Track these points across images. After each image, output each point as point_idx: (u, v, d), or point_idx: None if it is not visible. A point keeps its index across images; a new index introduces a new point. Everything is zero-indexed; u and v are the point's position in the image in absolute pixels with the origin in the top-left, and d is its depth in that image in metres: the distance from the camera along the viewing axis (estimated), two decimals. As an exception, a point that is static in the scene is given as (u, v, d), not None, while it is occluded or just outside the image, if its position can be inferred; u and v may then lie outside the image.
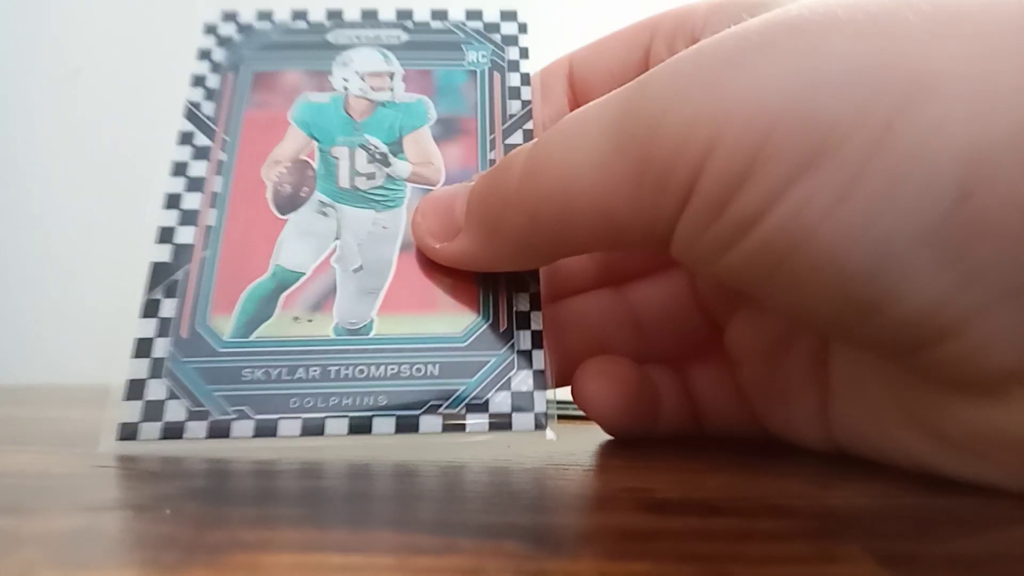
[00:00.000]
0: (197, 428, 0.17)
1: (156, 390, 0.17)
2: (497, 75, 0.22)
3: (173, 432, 0.17)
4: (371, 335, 0.18)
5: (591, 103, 0.16)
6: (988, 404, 0.13)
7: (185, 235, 0.19)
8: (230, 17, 0.23)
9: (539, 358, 0.18)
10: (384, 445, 0.17)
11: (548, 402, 0.18)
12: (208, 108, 0.21)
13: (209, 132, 0.21)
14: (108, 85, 0.56)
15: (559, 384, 0.21)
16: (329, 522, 0.11)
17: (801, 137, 0.12)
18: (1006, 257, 0.12)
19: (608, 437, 0.22)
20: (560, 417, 0.25)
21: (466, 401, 0.18)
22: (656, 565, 0.09)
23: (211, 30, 0.23)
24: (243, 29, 0.23)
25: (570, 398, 0.21)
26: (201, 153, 0.21)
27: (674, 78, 0.14)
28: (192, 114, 0.21)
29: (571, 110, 0.22)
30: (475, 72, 0.22)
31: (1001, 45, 0.12)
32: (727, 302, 0.20)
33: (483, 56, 0.23)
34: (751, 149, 0.13)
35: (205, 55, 0.22)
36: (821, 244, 0.12)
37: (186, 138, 0.21)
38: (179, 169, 0.20)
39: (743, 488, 0.14)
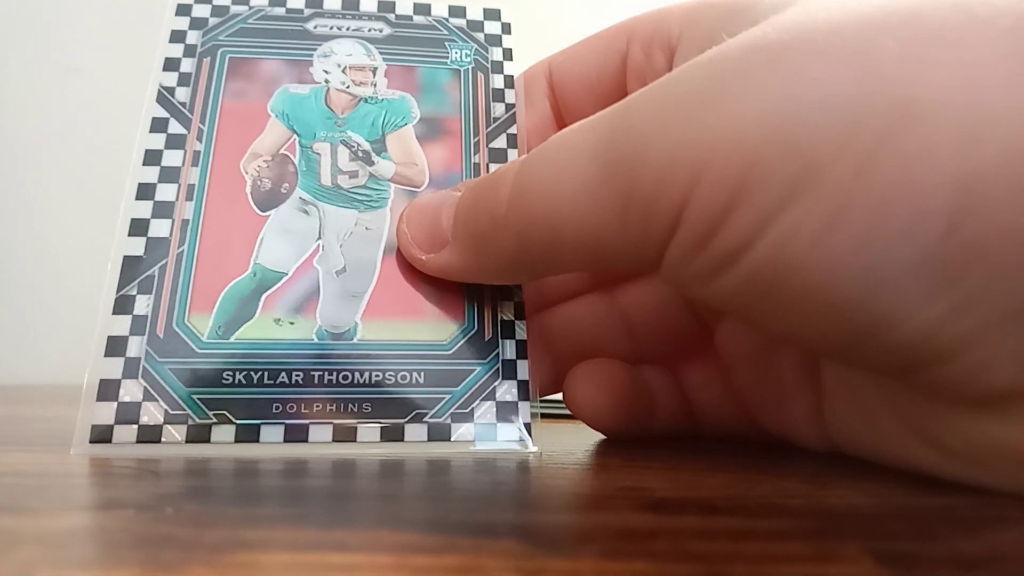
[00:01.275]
0: (176, 432, 0.17)
1: (131, 391, 0.17)
2: (481, 75, 0.23)
3: (150, 435, 0.17)
4: (355, 340, 0.18)
5: (576, 126, 0.16)
6: (987, 418, 0.13)
7: (160, 228, 0.19)
8: None
9: (523, 368, 0.19)
10: (370, 452, 0.17)
11: (534, 404, 0.18)
12: (182, 94, 0.21)
13: (184, 120, 0.20)
14: (104, 84, 0.56)
15: (554, 391, 0.21)
16: (328, 521, 0.11)
17: (783, 168, 0.12)
18: (1001, 284, 0.12)
19: (604, 436, 0.22)
20: (560, 416, 0.25)
21: (451, 410, 0.18)
22: (655, 564, 0.09)
23: (184, 11, 0.22)
24: (218, 11, 0.22)
25: None
26: (175, 142, 0.20)
27: (656, 108, 0.14)
28: (165, 99, 0.21)
29: (554, 115, 0.23)
30: (459, 71, 0.23)
31: (984, 72, 0.12)
32: None
33: (467, 55, 0.23)
34: (734, 181, 0.13)
35: (178, 37, 0.22)
36: (810, 273, 0.13)
37: (159, 125, 0.20)
38: (152, 158, 0.20)
39: (741, 487, 0.14)
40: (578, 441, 0.21)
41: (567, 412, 0.21)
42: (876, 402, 0.16)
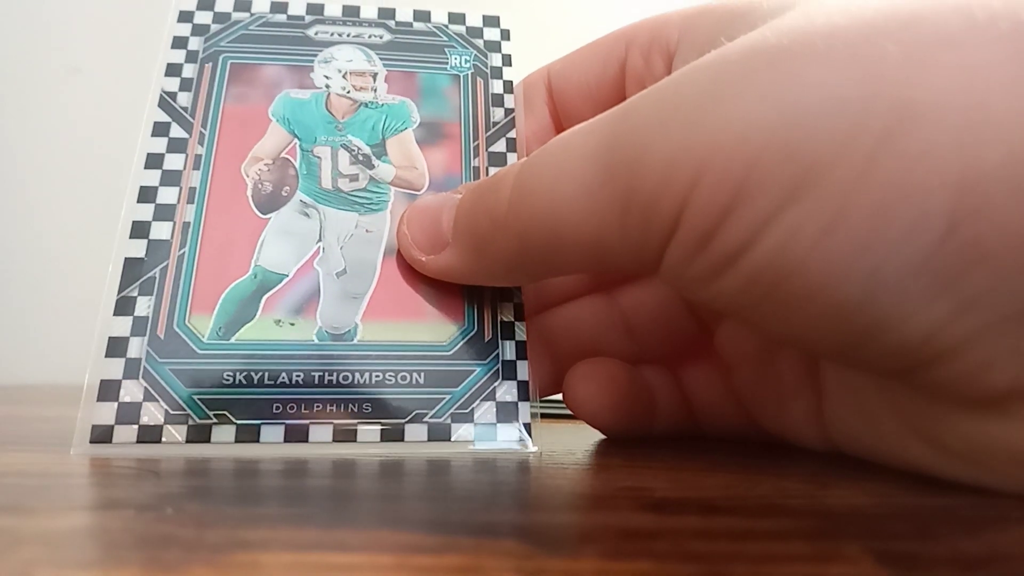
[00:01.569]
0: (176, 432, 0.17)
1: (132, 391, 0.17)
2: (480, 81, 0.23)
3: (150, 435, 0.17)
4: (355, 341, 0.18)
5: (576, 128, 0.16)
6: (988, 418, 0.13)
7: (161, 231, 0.19)
8: (206, 5, 0.23)
9: (523, 369, 0.19)
10: (370, 452, 0.17)
11: (534, 405, 0.18)
12: (184, 99, 0.21)
13: (185, 124, 0.20)
14: (105, 84, 0.56)
15: (554, 391, 0.21)
16: (329, 521, 0.11)
17: (784, 169, 0.12)
18: (1002, 285, 0.12)
19: (604, 436, 0.22)
20: (561, 416, 0.25)
21: (451, 410, 0.18)
22: (656, 564, 0.09)
23: (186, 17, 0.22)
24: (220, 18, 0.22)
25: None
26: (177, 146, 0.20)
27: (656, 110, 0.14)
28: (167, 104, 0.21)
29: (553, 122, 0.23)
30: (458, 77, 0.23)
31: (985, 75, 0.12)
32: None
33: (466, 61, 0.23)
34: (734, 182, 0.13)
35: (180, 43, 0.22)
36: (811, 275, 0.13)
37: (160, 129, 0.20)
38: (153, 161, 0.20)
39: (742, 487, 0.14)
40: (578, 441, 0.21)
41: (567, 412, 0.21)
42: (876, 403, 0.16)
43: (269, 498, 0.13)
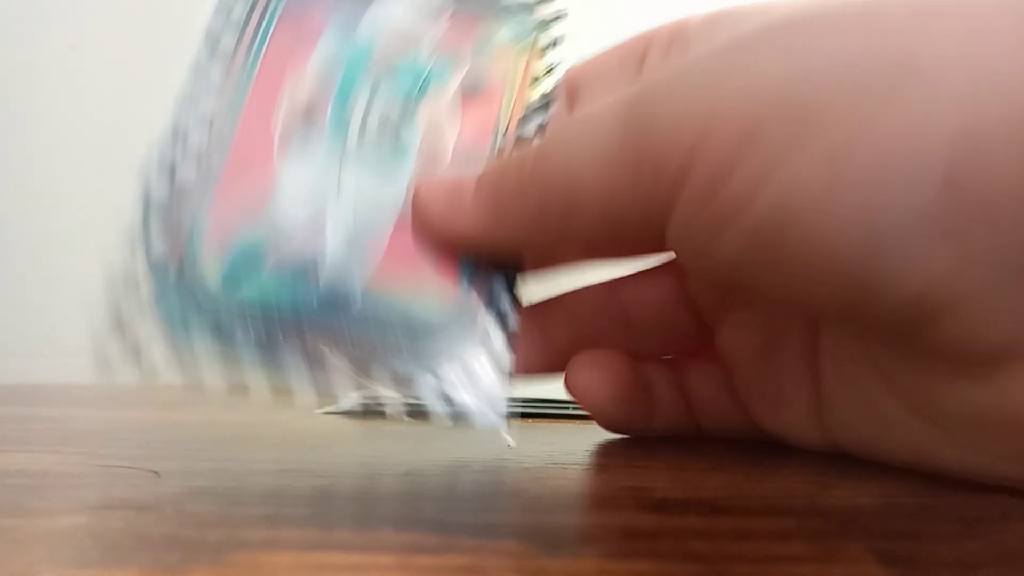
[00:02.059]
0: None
1: (140, 334, 0.17)
2: (526, 59, 0.22)
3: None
4: (356, 309, 0.18)
5: (599, 102, 0.16)
6: (985, 382, 0.13)
7: (181, 174, 0.18)
8: None
9: (511, 360, 0.19)
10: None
11: (513, 402, 0.18)
12: (228, 39, 0.20)
13: (225, 65, 0.20)
14: (110, 84, 0.56)
15: (545, 375, 0.21)
16: (331, 521, 0.11)
17: (788, 122, 0.13)
18: (1003, 238, 0.12)
19: (607, 436, 0.22)
20: (559, 416, 0.25)
21: (437, 387, 0.18)
22: (657, 564, 0.09)
23: None
24: None
25: (566, 398, 0.21)
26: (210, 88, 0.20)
27: (671, 76, 0.15)
28: (210, 44, 0.20)
29: None
30: (505, 48, 0.22)
31: (990, 41, 0.12)
32: (717, 305, 0.21)
33: (517, 33, 0.22)
34: (740, 136, 0.13)
35: None
36: (813, 228, 0.13)
37: (200, 70, 0.20)
38: (187, 103, 0.19)
39: (744, 487, 0.14)
40: (579, 442, 0.21)
41: (568, 413, 0.21)
42: (874, 390, 0.16)
43: (271, 498, 0.13)
